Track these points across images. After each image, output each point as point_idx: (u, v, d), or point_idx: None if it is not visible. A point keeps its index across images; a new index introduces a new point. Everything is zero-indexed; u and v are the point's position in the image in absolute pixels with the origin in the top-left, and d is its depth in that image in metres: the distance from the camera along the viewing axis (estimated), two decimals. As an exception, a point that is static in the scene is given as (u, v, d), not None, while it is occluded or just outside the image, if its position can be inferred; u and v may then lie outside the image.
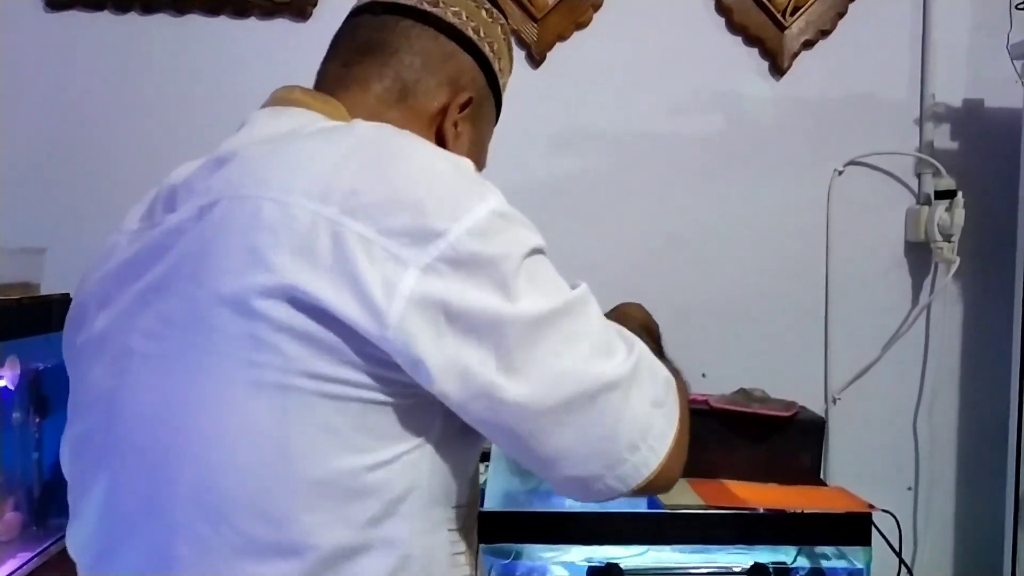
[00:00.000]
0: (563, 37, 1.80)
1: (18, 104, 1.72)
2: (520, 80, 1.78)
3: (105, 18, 1.74)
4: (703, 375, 1.78)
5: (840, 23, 1.84)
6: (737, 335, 1.83)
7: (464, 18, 0.89)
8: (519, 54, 1.80)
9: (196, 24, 1.74)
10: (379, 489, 0.69)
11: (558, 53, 1.81)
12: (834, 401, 1.84)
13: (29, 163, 1.73)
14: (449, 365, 0.67)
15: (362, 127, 0.77)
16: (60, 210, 1.71)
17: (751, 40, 1.83)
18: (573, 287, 0.74)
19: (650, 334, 1.00)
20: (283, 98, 0.83)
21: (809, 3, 1.83)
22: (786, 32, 1.83)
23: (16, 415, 1.33)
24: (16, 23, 1.73)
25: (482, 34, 0.90)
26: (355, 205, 0.67)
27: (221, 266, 0.68)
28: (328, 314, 0.65)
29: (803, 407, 1.59)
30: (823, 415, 1.81)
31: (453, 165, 0.73)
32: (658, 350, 0.94)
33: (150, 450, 0.70)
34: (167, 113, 1.74)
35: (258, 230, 0.67)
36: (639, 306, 1.09)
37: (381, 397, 0.69)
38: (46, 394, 1.41)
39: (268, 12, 1.74)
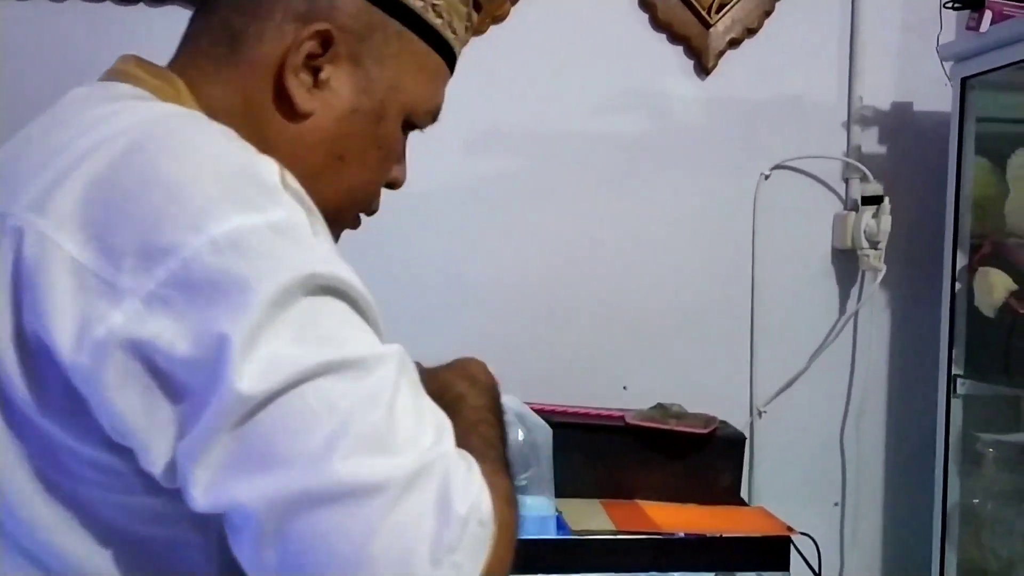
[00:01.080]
0: (479, 32, 1.71)
1: None
2: (432, 76, 1.71)
3: (-22, 3, 1.60)
4: (624, 387, 1.72)
5: (767, 22, 1.77)
6: (660, 345, 1.75)
7: None
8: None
9: (78, 10, 1.61)
10: None
11: (473, 49, 1.68)
12: (759, 414, 1.77)
13: None
14: (161, 439, 0.49)
15: (132, 114, 0.58)
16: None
17: (675, 38, 1.76)
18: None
19: (494, 405, 0.76)
20: (113, 70, 0.67)
21: (735, 0, 1.76)
22: (711, 30, 1.75)
23: None
24: None
25: None
26: (80, 221, 0.50)
27: None
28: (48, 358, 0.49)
29: (723, 422, 1.52)
30: (748, 428, 1.75)
31: (226, 164, 0.53)
32: (498, 430, 0.70)
33: None
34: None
35: None
36: (482, 366, 0.82)
37: (123, 494, 0.51)
38: None
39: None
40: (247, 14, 0.66)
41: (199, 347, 0.47)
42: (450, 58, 0.74)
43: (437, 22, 0.71)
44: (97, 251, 0.49)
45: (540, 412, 1.51)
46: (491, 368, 1.02)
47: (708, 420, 1.47)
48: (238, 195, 0.51)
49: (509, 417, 1.18)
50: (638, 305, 1.75)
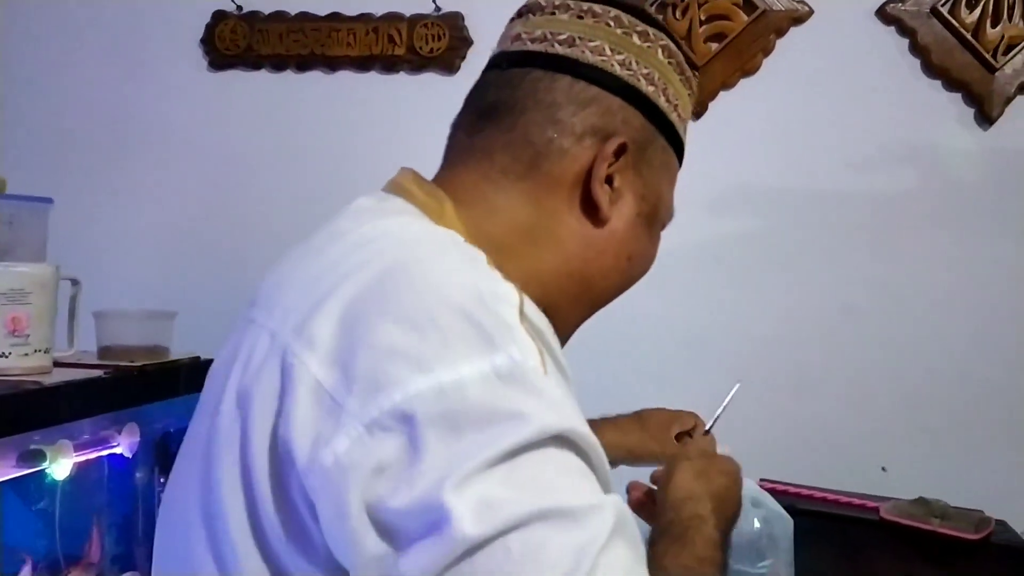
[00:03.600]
0: (727, 85, 1.64)
1: (175, 165, 1.79)
2: (677, 133, 1.66)
3: (263, 76, 1.77)
4: (883, 468, 1.56)
5: (1067, 61, 1.55)
6: (927, 427, 1.57)
7: (608, 53, 0.73)
8: (678, 105, 1.65)
9: (346, 80, 1.73)
10: None
11: (721, 103, 1.64)
12: (1054, 514, 1.53)
13: (169, 224, 1.79)
14: (372, 570, 0.51)
15: (393, 238, 0.64)
16: (195, 273, 1.75)
17: (953, 84, 1.58)
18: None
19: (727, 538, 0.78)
20: (393, 182, 0.74)
21: (1028, 40, 1.55)
22: (997, 74, 1.56)
23: (139, 475, 1.33)
24: (180, 82, 1.80)
25: (634, 66, 0.74)
26: (328, 347, 0.56)
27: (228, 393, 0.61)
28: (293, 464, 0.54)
29: (1000, 523, 1.32)
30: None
31: (465, 299, 0.56)
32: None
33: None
34: (316, 172, 1.74)
35: (246, 370, 0.60)
36: (735, 476, 0.86)
37: None
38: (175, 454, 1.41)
39: (416, 67, 1.70)
40: (548, 131, 0.72)
41: (417, 490, 0.49)
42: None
43: (683, 137, 0.80)
44: (337, 373, 0.54)
45: (782, 493, 1.40)
46: (731, 448, 0.96)
47: (980, 522, 1.28)
48: (471, 336, 0.54)
49: (744, 504, 1.10)
50: (900, 381, 1.58)
